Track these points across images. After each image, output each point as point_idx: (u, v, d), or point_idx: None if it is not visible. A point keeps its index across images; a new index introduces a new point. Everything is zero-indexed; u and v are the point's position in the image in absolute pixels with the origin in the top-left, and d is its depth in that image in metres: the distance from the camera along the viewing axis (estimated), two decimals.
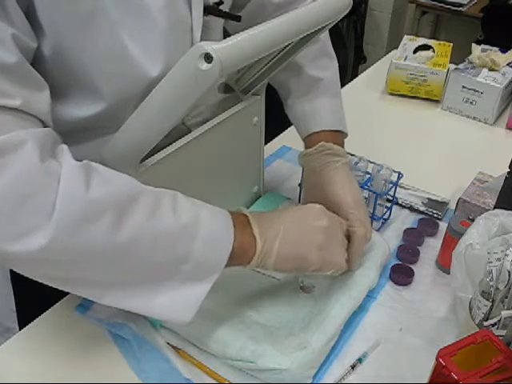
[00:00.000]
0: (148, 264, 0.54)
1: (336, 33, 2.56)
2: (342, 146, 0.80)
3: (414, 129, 1.18)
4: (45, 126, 0.53)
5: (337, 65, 0.85)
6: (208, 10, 0.64)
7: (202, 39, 0.64)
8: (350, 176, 0.77)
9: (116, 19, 0.55)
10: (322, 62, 0.82)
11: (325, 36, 0.82)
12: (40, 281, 0.53)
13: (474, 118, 1.21)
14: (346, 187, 0.75)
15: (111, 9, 0.54)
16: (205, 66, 0.49)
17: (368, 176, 0.86)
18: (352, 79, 1.40)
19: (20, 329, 0.69)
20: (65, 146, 0.53)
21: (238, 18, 0.68)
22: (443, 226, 0.85)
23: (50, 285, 0.54)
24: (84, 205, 0.49)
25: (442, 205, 0.92)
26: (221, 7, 0.66)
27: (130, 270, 0.54)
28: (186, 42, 0.63)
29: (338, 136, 0.80)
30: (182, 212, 0.56)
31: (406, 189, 0.95)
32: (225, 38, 0.53)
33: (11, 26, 0.48)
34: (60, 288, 0.55)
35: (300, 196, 0.89)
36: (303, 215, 0.65)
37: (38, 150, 0.49)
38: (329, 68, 0.83)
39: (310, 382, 0.62)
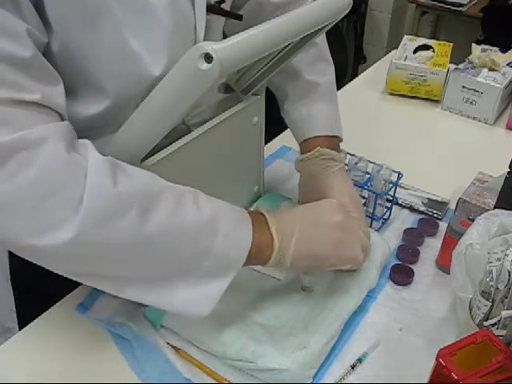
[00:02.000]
0: (171, 258, 0.55)
1: (336, 33, 2.56)
2: (338, 151, 0.80)
3: (414, 129, 1.18)
4: (62, 120, 0.53)
5: (334, 69, 0.85)
6: (210, 9, 0.64)
7: (204, 39, 0.64)
8: (347, 179, 0.78)
9: (121, 18, 0.55)
10: (319, 66, 0.82)
11: (322, 40, 0.82)
12: (64, 275, 0.53)
13: (474, 118, 1.21)
14: (344, 190, 0.75)
15: (116, 8, 0.54)
16: (205, 65, 0.49)
17: (368, 176, 0.86)
18: (352, 79, 1.40)
19: (20, 329, 0.69)
20: (87, 141, 0.53)
21: (239, 17, 0.68)
22: (443, 225, 0.85)
23: (74, 279, 0.54)
24: (111, 199, 0.49)
25: (441, 205, 0.92)
26: (222, 6, 0.66)
27: (153, 265, 0.54)
28: (189, 41, 0.63)
29: (334, 141, 0.80)
30: (204, 208, 0.56)
31: (406, 189, 0.95)
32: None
33: (25, 22, 0.48)
34: (83, 282, 0.55)
35: None
36: (318, 212, 0.66)
37: (62, 144, 0.49)
38: (326, 73, 0.83)
39: (310, 381, 0.62)
